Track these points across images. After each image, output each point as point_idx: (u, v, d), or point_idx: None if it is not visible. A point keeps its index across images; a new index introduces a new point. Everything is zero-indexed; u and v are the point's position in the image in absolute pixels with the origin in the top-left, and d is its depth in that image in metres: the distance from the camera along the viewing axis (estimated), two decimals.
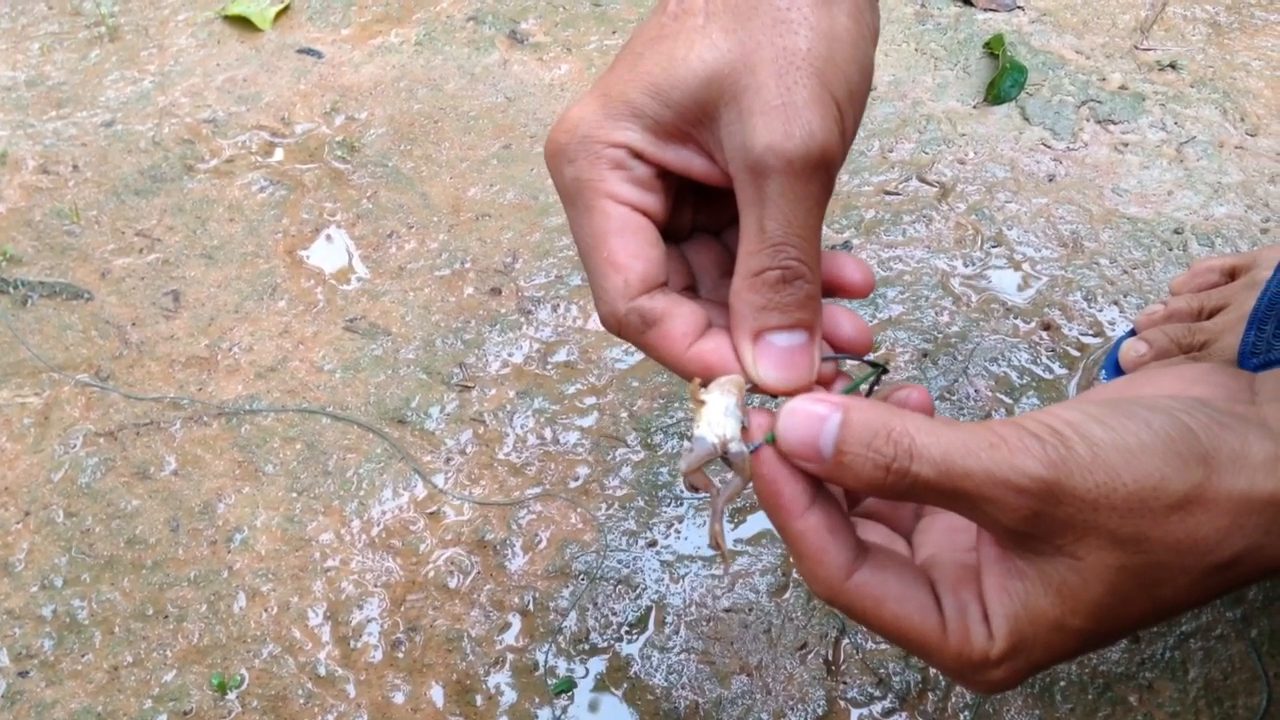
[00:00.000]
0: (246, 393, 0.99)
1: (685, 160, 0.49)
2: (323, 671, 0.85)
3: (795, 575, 0.88)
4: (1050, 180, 1.11)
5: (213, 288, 1.07)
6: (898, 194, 1.11)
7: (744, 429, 0.47)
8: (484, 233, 1.10)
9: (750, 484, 0.47)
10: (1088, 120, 1.16)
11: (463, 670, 0.85)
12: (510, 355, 1.01)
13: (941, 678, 0.82)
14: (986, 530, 0.45)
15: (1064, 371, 0.97)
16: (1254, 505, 0.42)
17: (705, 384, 0.49)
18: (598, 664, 0.85)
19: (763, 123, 0.45)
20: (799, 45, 0.46)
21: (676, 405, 0.96)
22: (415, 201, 1.13)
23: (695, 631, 0.86)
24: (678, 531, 0.90)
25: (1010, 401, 0.95)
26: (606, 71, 0.50)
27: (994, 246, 1.06)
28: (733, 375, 0.49)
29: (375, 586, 0.89)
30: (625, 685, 0.84)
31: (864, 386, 0.54)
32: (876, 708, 0.82)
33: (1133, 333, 0.93)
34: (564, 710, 0.83)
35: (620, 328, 0.50)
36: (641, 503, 0.92)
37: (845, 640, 0.84)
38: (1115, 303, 1.01)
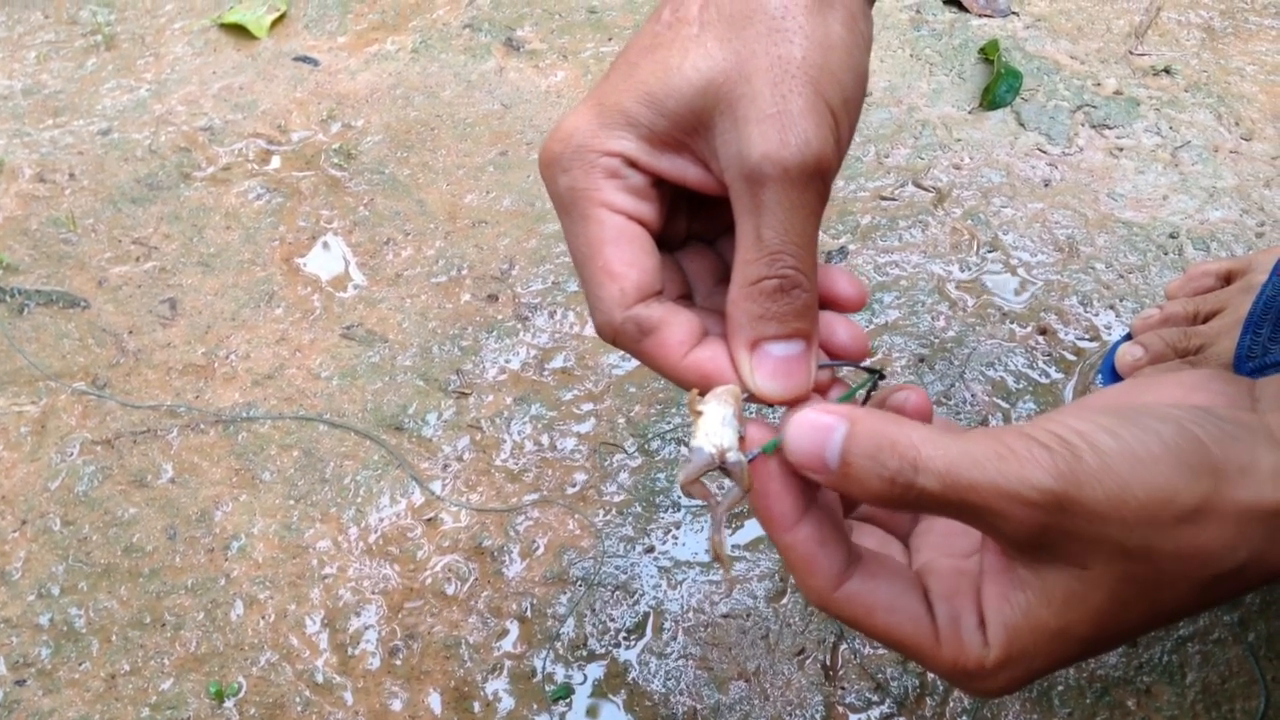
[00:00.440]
0: (243, 400, 0.99)
1: (680, 169, 0.49)
2: (320, 679, 0.85)
3: (793, 581, 0.88)
4: (1046, 185, 1.11)
5: (209, 295, 1.07)
6: (894, 199, 1.11)
7: (741, 439, 0.47)
8: (481, 239, 1.10)
9: (749, 493, 0.47)
10: (1083, 125, 1.17)
11: (460, 677, 0.85)
12: (507, 362, 1.01)
13: (940, 682, 0.82)
14: (992, 540, 0.45)
15: (1060, 376, 0.97)
16: (1259, 515, 0.42)
17: (702, 394, 0.49)
18: (595, 670, 0.85)
19: (758, 131, 0.45)
20: (794, 54, 0.46)
21: (674, 411, 0.97)
22: (412, 208, 1.13)
23: (693, 637, 0.86)
24: (675, 537, 0.90)
25: (1007, 406, 0.95)
26: (601, 80, 0.50)
27: (990, 251, 1.06)
28: (729, 385, 0.49)
29: (373, 593, 0.89)
30: (623, 691, 0.84)
31: (860, 393, 0.54)
32: (874, 713, 0.82)
33: (1128, 337, 0.93)
34: (562, 717, 0.83)
35: (616, 337, 0.50)
36: (639, 509, 0.92)
37: (843, 645, 0.84)
38: (1111, 307, 1.01)
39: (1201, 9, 1.27)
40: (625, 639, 0.86)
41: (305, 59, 1.28)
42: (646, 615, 0.87)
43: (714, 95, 0.47)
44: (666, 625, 0.86)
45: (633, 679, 0.84)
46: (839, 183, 1.12)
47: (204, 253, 1.10)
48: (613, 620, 0.87)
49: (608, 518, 0.91)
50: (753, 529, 0.90)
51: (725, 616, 0.86)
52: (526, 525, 0.91)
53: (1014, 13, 1.28)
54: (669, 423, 0.96)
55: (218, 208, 1.14)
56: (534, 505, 0.92)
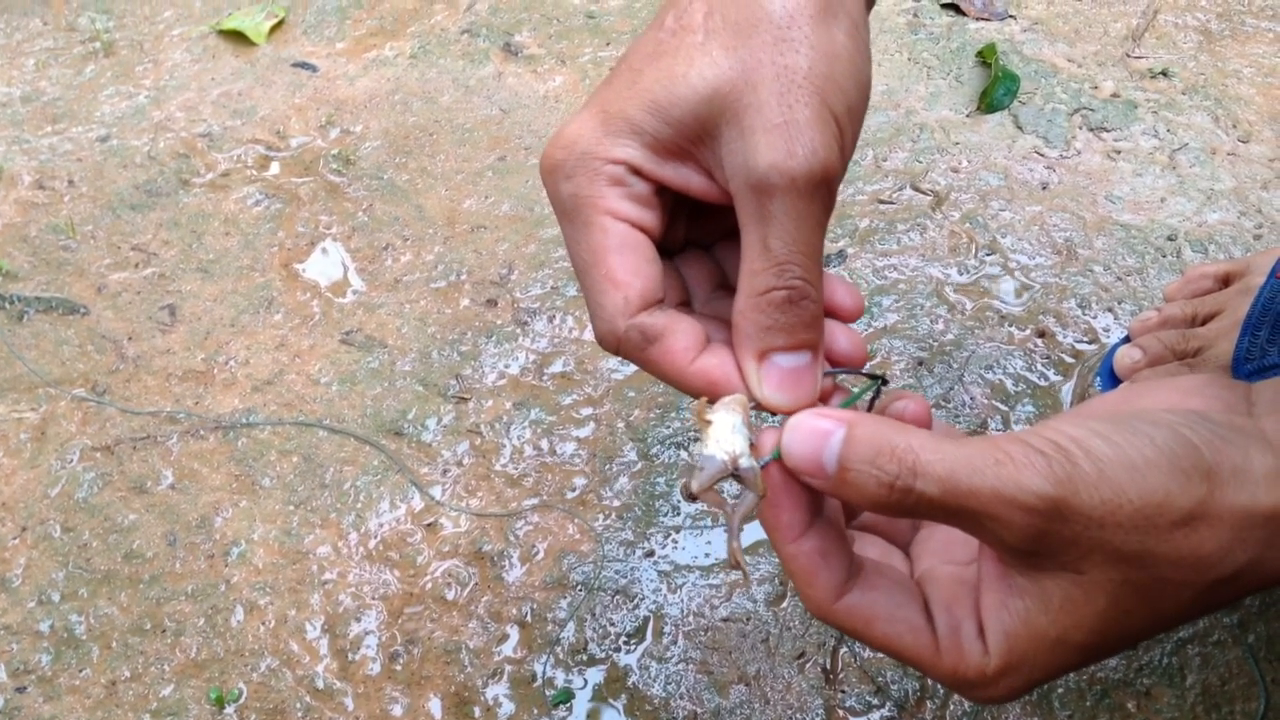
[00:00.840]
0: (243, 406, 1.00)
1: (683, 178, 0.49)
2: (321, 684, 0.85)
3: (793, 585, 0.88)
4: (1044, 188, 1.12)
5: (209, 301, 1.07)
6: (892, 203, 1.11)
7: (752, 445, 0.47)
8: (480, 245, 1.10)
9: (763, 499, 0.47)
10: (1080, 128, 1.17)
11: (461, 682, 0.85)
12: (506, 367, 1.01)
13: (940, 685, 0.82)
14: (989, 546, 0.45)
15: (1059, 378, 0.97)
16: (1256, 520, 0.42)
17: (710, 403, 0.49)
18: (596, 675, 0.85)
19: (765, 141, 0.45)
20: (800, 63, 0.46)
21: (673, 416, 0.97)
22: (411, 214, 1.13)
23: (693, 641, 0.86)
24: (675, 541, 0.90)
25: (1006, 409, 0.95)
26: (602, 87, 0.50)
27: (988, 254, 1.06)
28: (737, 395, 0.49)
29: (373, 599, 0.89)
30: (624, 696, 0.84)
31: (860, 405, 0.54)
32: (875, 716, 0.82)
33: (1127, 339, 0.94)
34: None
35: (620, 345, 0.50)
36: (639, 513, 0.92)
37: (843, 649, 0.84)
38: (1109, 309, 1.01)
39: (1198, 12, 1.27)
40: (625, 643, 0.86)
41: (304, 65, 1.28)
42: (647, 619, 0.87)
43: (720, 104, 0.47)
44: (667, 629, 0.86)
45: (633, 683, 0.84)
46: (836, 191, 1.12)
47: (203, 259, 1.10)
48: (613, 625, 0.87)
49: (608, 522, 0.91)
50: (751, 533, 0.90)
51: (725, 620, 0.86)
52: (526, 530, 0.91)
53: (1011, 16, 1.29)
54: (668, 427, 0.96)
55: (217, 214, 1.14)
56: (534, 510, 0.92)
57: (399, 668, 0.86)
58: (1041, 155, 1.15)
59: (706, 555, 0.89)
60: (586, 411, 0.98)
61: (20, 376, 1.02)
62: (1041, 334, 1.00)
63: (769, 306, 0.48)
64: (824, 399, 0.51)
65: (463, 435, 0.97)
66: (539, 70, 1.27)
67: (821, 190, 0.46)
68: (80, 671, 0.86)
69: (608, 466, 0.94)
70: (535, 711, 0.83)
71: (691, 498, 0.47)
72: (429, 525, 0.92)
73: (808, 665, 0.84)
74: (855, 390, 0.54)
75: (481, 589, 0.89)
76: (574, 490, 0.93)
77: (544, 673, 0.85)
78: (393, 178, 1.16)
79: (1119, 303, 1.02)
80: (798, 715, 0.82)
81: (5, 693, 0.85)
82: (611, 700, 0.84)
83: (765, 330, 0.48)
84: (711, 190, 0.49)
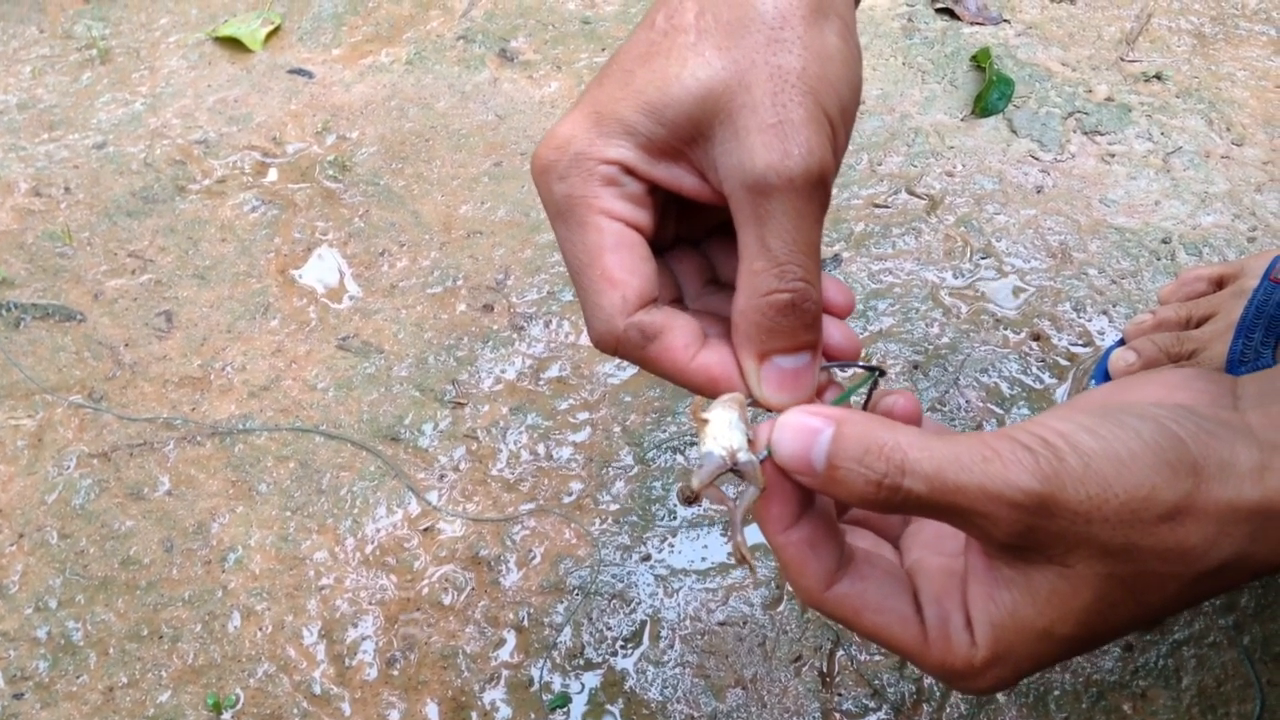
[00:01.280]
0: (240, 412, 1.00)
1: (676, 178, 0.49)
2: (318, 690, 0.85)
3: (789, 588, 0.88)
4: (1038, 191, 1.12)
5: (205, 308, 1.07)
6: (887, 207, 1.11)
7: (750, 440, 0.48)
8: (476, 250, 1.10)
9: (764, 492, 0.47)
10: (1075, 131, 1.17)
11: (458, 687, 0.85)
12: (503, 372, 1.01)
13: (937, 687, 0.83)
14: (977, 541, 0.46)
15: (1054, 381, 0.97)
16: (1240, 514, 0.43)
17: (707, 402, 0.49)
18: (593, 679, 0.85)
19: (760, 142, 0.45)
20: (793, 64, 0.46)
21: (669, 420, 0.97)
22: (407, 220, 1.13)
23: (690, 645, 0.86)
24: (671, 545, 0.90)
25: (1001, 412, 0.96)
26: (593, 87, 0.50)
27: (983, 258, 1.06)
28: (733, 393, 0.49)
29: (370, 604, 0.89)
30: (621, 700, 0.84)
31: (859, 395, 0.54)
32: (871, 719, 0.82)
33: (1122, 342, 0.94)
34: None
35: (618, 345, 0.50)
36: (635, 517, 0.92)
37: (840, 652, 0.84)
38: (1104, 312, 1.02)
39: (1192, 15, 1.28)
40: (622, 647, 0.86)
41: (300, 71, 1.28)
42: (643, 623, 0.87)
43: (713, 105, 0.47)
44: (663, 633, 0.86)
45: (630, 687, 0.84)
46: (832, 190, 1.12)
47: (199, 265, 1.10)
48: (610, 629, 0.87)
49: (604, 526, 0.92)
50: (749, 536, 0.90)
51: (722, 624, 0.86)
52: (523, 534, 0.91)
53: (1005, 20, 1.29)
54: (664, 431, 0.96)
55: (213, 220, 1.14)
56: (530, 514, 0.92)
57: (396, 673, 0.86)
58: (1036, 159, 1.15)
59: (703, 559, 0.90)
60: (583, 416, 0.98)
61: (17, 383, 1.02)
62: (1036, 337, 1.00)
63: (771, 310, 0.48)
64: (820, 393, 0.52)
65: (459, 440, 0.97)
66: (535, 76, 1.27)
67: (818, 189, 0.47)
68: (77, 678, 0.86)
69: (604, 471, 0.94)
70: (532, 716, 0.83)
71: (690, 500, 0.47)
72: (426, 530, 0.92)
73: (804, 669, 0.84)
74: (853, 383, 0.54)
75: (478, 594, 0.89)
76: (570, 495, 0.93)
77: (541, 677, 0.85)
78: (389, 184, 1.17)
79: (1114, 305, 1.02)
80: (794, 719, 0.82)
81: (3, 699, 0.85)
82: (608, 704, 0.84)
83: (767, 333, 0.48)
84: (704, 190, 0.49)
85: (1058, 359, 0.99)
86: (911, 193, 1.12)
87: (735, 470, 0.47)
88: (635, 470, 0.94)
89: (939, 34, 1.28)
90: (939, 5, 1.30)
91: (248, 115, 1.23)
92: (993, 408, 0.96)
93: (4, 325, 1.06)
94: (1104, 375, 0.92)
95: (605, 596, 0.88)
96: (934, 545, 0.52)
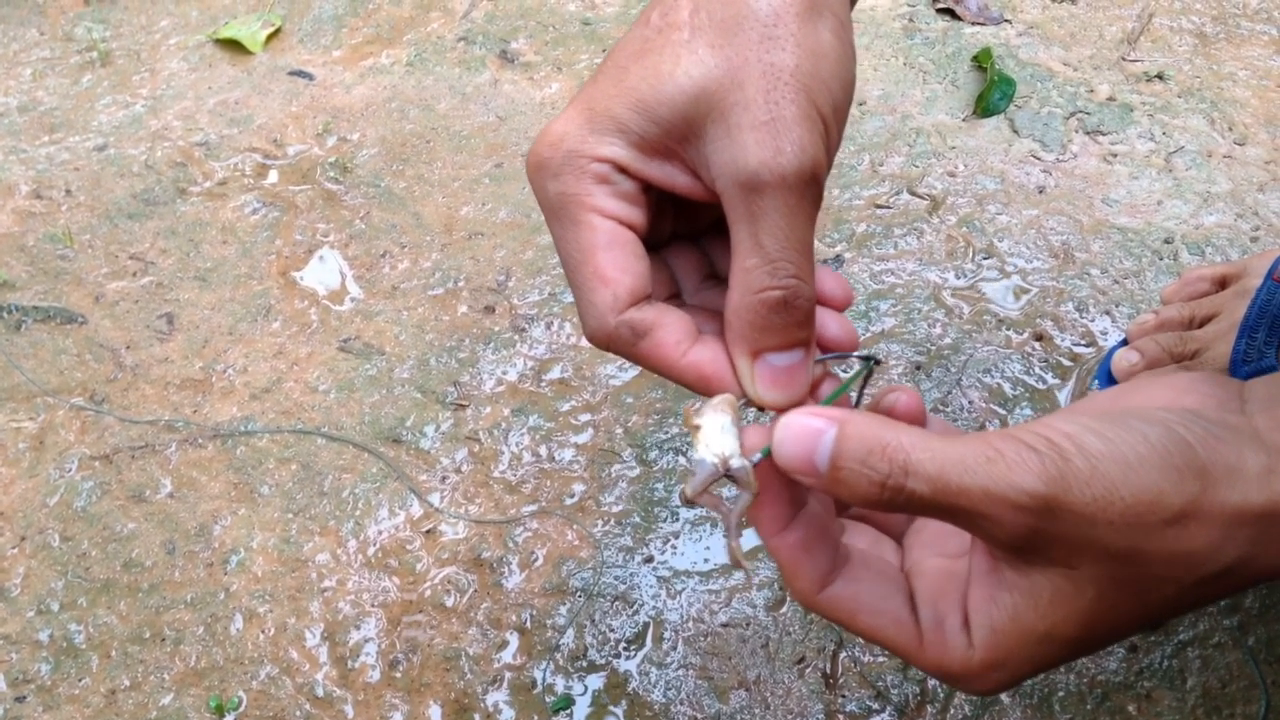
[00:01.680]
0: (241, 414, 1.00)
1: (669, 175, 0.49)
2: (320, 692, 0.85)
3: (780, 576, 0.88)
4: (1040, 191, 1.12)
5: (206, 310, 1.07)
6: (889, 207, 1.11)
7: (742, 444, 0.47)
8: (477, 251, 1.10)
9: (757, 496, 0.47)
10: (1076, 131, 1.17)
11: (461, 689, 0.85)
12: (504, 373, 1.01)
13: (941, 689, 0.82)
14: (982, 541, 0.45)
15: (1057, 381, 0.97)
16: (1246, 518, 0.42)
17: (698, 408, 0.49)
18: (596, 681, 0.85)
19: (753, 139, 0.45)
20: (786, 61, 0.46)
21: (671, 421, 0.97)
22: (408, 221, 1.13)
23: (693, 647, 0.86)
24: (674, 547, 0.90)
25: (1004, 412, 0.95)
26: (588, 85, 0.50)
27: (985, 258, 1.06)
28: (725, 395, 0.49)
29: (372, 606, 0.89)
30: (624, 702, 0.83)
31: (854, 389, 0.54)
32: None
33: (1125, 342, 0.94)
34: None
35: (610, 342, 0.50)
36: (638, 519, 0.92)
37: (843, 653, 0.84)
38: (1107, 312, 1.02)
39: (1193, 15, 1.28)
40: (625, 649, 0.86)
41: (300, 73, 1.28)
42: (646, 625, 0.87)
43: (706, 103, 0.47)
44: (666, 635, 0.86)
45: (633, 689, 0.84)
46: (834, 191, 1.12)
47: (201, 267, 1.10)
48: (612, 631, 0.87)
49: (606, 528, 0.91)
50: (750, 539, 0.90)
51: (725, 625, 0.86)
52: (525, 536, 0.91)
53: (1006, 20, 1.29)
54: (666, 432, 0.96)
55: (214, 222, 1.14)
56: (532, 516, 0.92)
57: (399, 675, 0.85)
58: (1038, 159, 1.15)
59: (705, 560, 0.89)
60: (585, 418, 0.98)
61: (18, 386, 1.02)
62: (1039, 337, 1.00)
63: (763, 307, 0.48)
64: (815, 386, 0.51)
65: (461, 442, 0.97)
66: (535, 77, 1.27)
67: (811, 187, 0.46)
68: (80, 680, 0.86)
69: (606, 472, 0.94)
70: (535, 718, 0.83)
71: (690, 503, 0.48)
72: (428, 532, 0.92)
73: (808, 670, 0.84)
74: (846, 377, 0.54)
75: (481, 596, 0.89)
76: (573, 496, 0.93)
77: (544, 679, 0.85)
78: (390, 185, 1.17)
79: (1116, 306, 1.02)
80: None
81: (5, 702, 0.85)
82: (612, 706, 0.83)
83: (760, 330, 0.48)
84: (697, 188, 0.49)
85: (1060, 359, 0.99)
86: (913, 193, 1.12)
87: (728, 476, 0.47)
88: (637, 472, 0.94)
89: (940, 34, 1.28)
90: (940, 5, 1.30)
91: (248, 117, 1.23)
92: (995, 408, 0.96)
93: (5, 328, 1.06)
94: (1107, 375, 0.92)
95: (608, 598, 0.88)
96: (935, 545, 0.52)
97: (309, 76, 1.28)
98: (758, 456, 0.47)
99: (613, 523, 0.92)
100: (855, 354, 0.53)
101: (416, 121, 1.22)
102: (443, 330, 1.04)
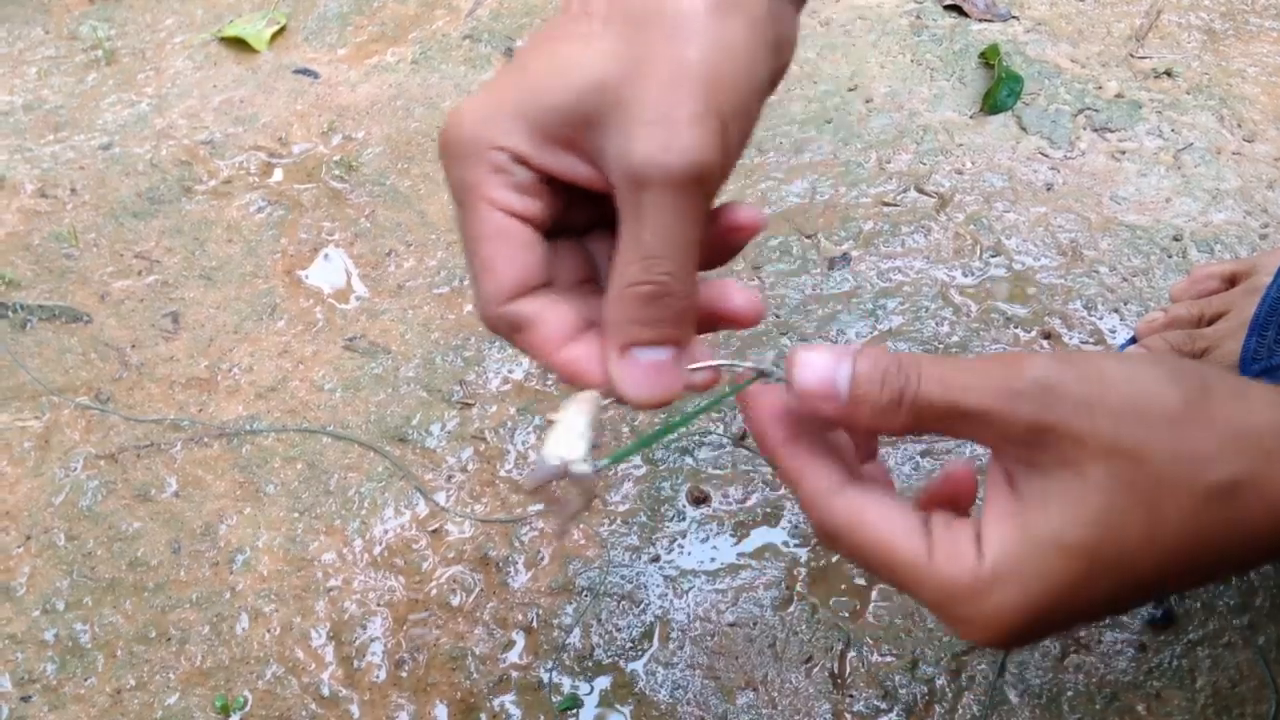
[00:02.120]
0: (247, 413, 0.99)
1: (569, 166, 0.49)
2: (326, 692, 0.85)
3: (799, 589, 0.87)
4: (1048, 189, 1.11)
5: (212, 309, 1.07)
6: (896, 205, 1.11)
7: (596, 448, 0.48)
8: None
9: (591, 503, 0.48)
10: (1084, 128, 1.16)
11: (467, 689, 0.84)
12: (510, 372, 1.01)
13: (949, 689, 0.82)
14: (994, 451, 0.47)
15: None
16: (1252, 431, 0.43)
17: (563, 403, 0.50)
18: (603, 681, 0.84)
19: (644, 134, 0.45)
20: (689, 57, 0.45)
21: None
22: (413, 219, 1.13)
23: (700, 646, 0.85)
24: (681, 546, 0.90)
25: None
26: (502, 70, 0.50)
27: (993, 256, 1.06)
28: (589, 392, 0.49)
29: (378, 606, 0.88)
30: (631, 702, 0.83)
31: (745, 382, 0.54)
32: (883, 719, 0.81)
33: (1133, 340, 0.93)
34: None
35: (494, 331, 0.51)
36: (644, 518, 0.91)
37: (851, 653, 0.84)
38: (1115, 310, 1.01)
39: (1202, 11, 1.27)
40: (632, 649, 0.85)
41: (305, 71, 1.28)
42: (653, 625, 0.86)
43: (606, 94, 0.46)
44: (673, 635, 0.86)
45: (640, 689, 0.84)
46: (840, 188, 1.12)
47: (206, 266, 1.10)
48: (619, 630, 0.86)
49: (613, 527, 0.91)
50: (759, 537, 0.90)
51: (732, 625, 0.86)
52: (531, 535, 0.91)
53: (1014, 17, 1.28)
54: (674, 431, 0.96)
55: (219, 221, 1.14)
56: (539, 515, 0.92)
57: (405, 675, 0.85)
58: (1046, 156, 1.14)
59: (712, 560, 0.89)
60: None
61: (23, 385, 1.02)
62: (1047, 335, 1.00)
63: (633, 300, 0.47)
64: (706, 387, 0.51)
65: (467, 441, 0.97)
66: None
67: (697, 187, 0.46)
68: (85, 680, 0.86)
69: (612, 472, 0.94)
70: (542, 718, 0.83)
71: (531, 495, 0.48)
72: (434, 531, 0.92)
73: (815, 670, 0.84)
74: (734, 382, 0.54)
75: (487, 595, 0.88)
76: None
77: (550, 679, 0.85)
78: (395, 184, 1.16)
79: (1125, 304, 1.02)
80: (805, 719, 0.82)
81: (10, 702, 0.85)
82: (618, 706, 0.83)
83: (628, 323, 0.48)
84: (598, 179, 0.48)
85: None
86: (920, 190, 1.12)
87: (569, 478, 0.47)
88: (643, 471, 0.94)
89: (947, 31, 1.27)
90: (947, 2, 1.30)
91: (253, 116, 1.23)
92: None
93: (10, 327, 1.06)
94: None
95: (614, 598, 0.88)
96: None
97: (314, 75, 1.27)
98: (604, 462, 0.48)
99: (619, 522, 0.91)
100: (745, 365, 0.53)
101: (422, 120, 1.22)
102: (448, 329, 1.04)
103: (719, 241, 0.51)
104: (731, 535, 0.90)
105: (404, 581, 0.89)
